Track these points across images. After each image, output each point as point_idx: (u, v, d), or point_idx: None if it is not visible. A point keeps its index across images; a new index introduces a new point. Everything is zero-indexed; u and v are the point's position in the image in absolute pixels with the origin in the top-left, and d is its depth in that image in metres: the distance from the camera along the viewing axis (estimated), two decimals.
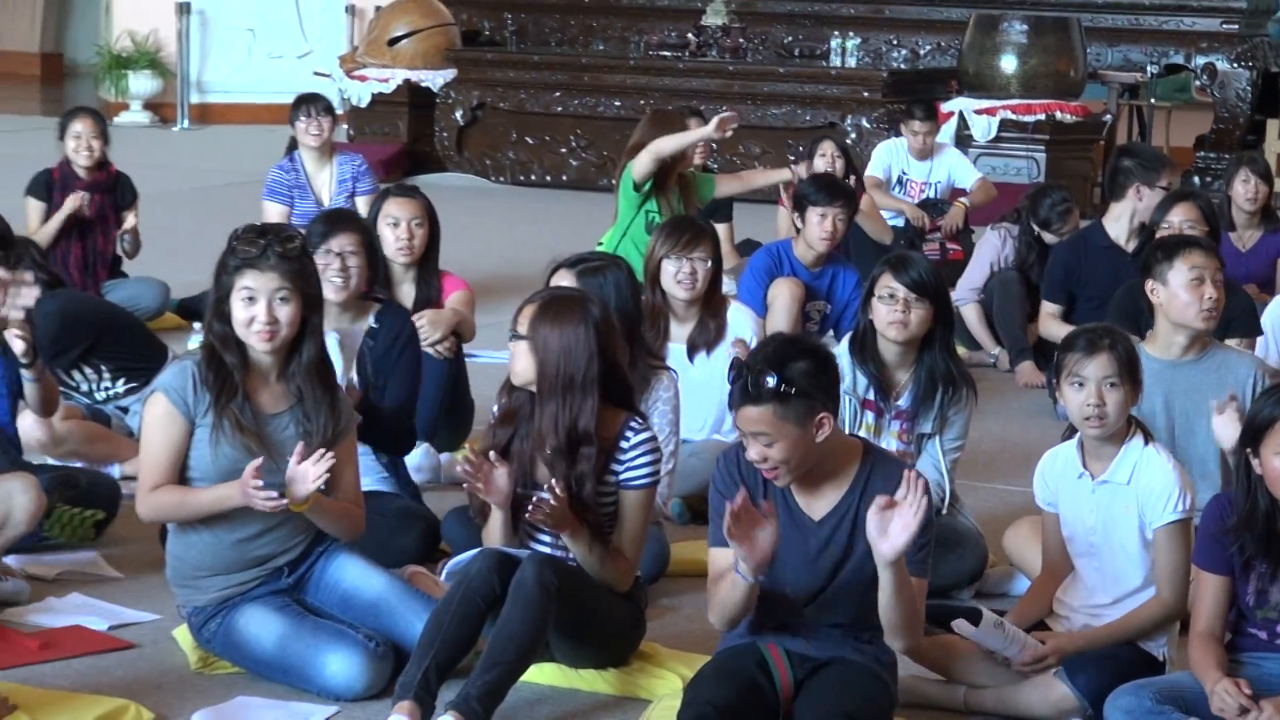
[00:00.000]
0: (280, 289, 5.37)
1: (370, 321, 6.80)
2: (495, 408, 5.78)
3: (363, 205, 10.34)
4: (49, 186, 10.42)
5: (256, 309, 5.38)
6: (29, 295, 6.53)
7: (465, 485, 5.57)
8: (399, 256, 7.77)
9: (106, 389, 7.98)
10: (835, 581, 5.09)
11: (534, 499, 5.36)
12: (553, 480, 5.38)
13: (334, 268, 6.66)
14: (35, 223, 10.39)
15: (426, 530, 6.52)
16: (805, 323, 8.91)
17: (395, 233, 7.74)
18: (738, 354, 4.95)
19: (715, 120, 10.15)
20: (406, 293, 7.82)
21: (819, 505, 5.08)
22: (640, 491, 5.58)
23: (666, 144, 9.93)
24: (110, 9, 22.01)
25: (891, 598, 4.93)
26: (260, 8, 21.79)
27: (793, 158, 11.38)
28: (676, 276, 7.39)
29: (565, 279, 6.47)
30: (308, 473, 5.35)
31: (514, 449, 5.62)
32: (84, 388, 8.01)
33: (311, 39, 21.80)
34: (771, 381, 4.82)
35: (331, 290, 6.54)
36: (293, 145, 10.87)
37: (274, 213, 10.41)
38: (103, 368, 8.06)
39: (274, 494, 5.33)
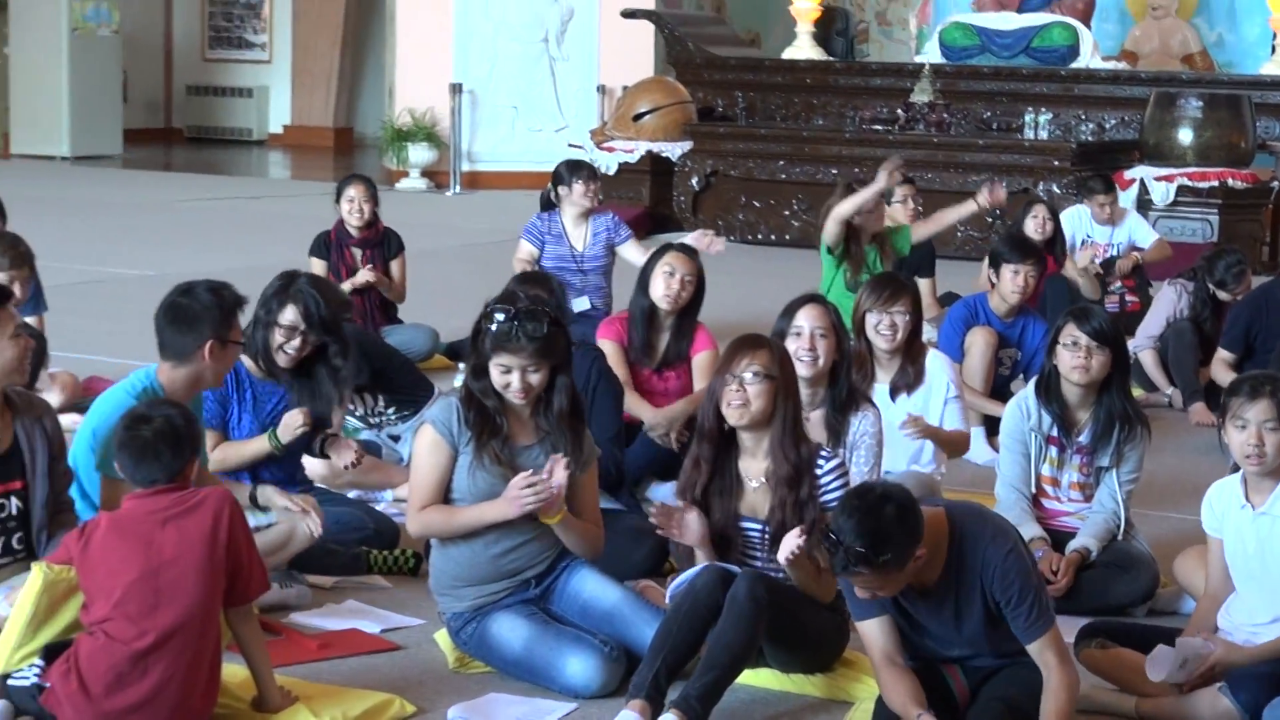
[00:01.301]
0: (530, 364, 5.47)
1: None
2: (692, 453, 5.78)
3: (625, 250, 10.43)
4: (327, 246, 10.55)
5: (511, 378, 5.49)
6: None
7: (660, 533, 5.60)
8: (664, 303, 7.82)
9: (380, 415, 8.06)
10: (965, 634, 5.08)
11: (791, 541, 5.36)
12: (794, 540, 5.36)
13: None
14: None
15: (656, 547, 6.50)
16: (998, 368, 8.86)
17: (669, 282, 7.79)
18: (830, 524, 4.87)
19: (882, 170, 10.14)
20: (662, 338, 7.84)
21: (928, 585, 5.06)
22: None
23: (843, 207, 9.95)
24: (393, 89, 22.28)
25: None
26: (523, 88, 21.98)
27: (975, 193, 11.30)
28: (878, 328, 7.34)
29: (805, 314, 6.50)
30: (528, 498, 5.44)
31: (713, 488, 5.63)
32: (359, 412, 8.12)
33: (567, 115, 21.94)
34: (865, 565, 4.80)
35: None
36: (548, 203, 10.83)
37: (524, 250, 10.42)
38: (380, 397, 8.17)
39: (540, 495, 5.43)
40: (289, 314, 6.70)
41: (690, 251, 8.03)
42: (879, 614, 5.04)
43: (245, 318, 6.33)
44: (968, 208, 11.31)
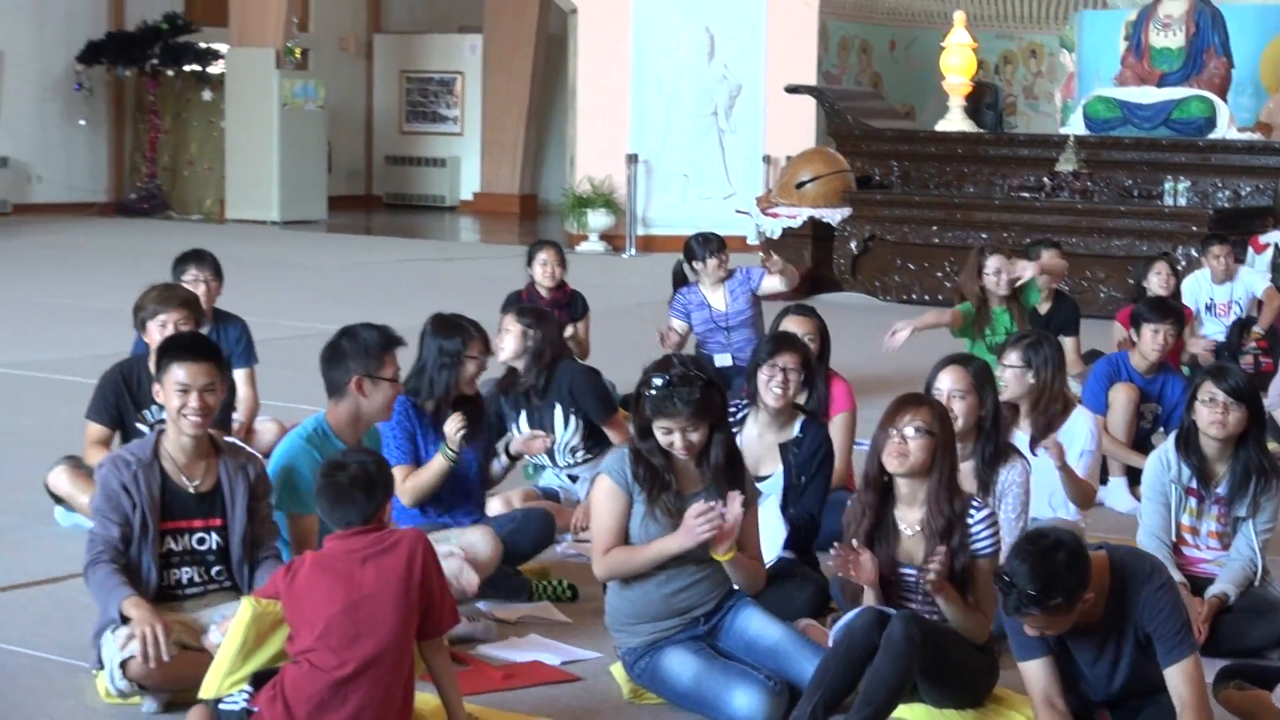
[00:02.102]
0: (688, 425, 5.52)
1: (795, 430, 6.82)
2: (855, 500, 5.78)
3: (766, 285, 10.46)
4: (519, 303, 10.62)
5: (674, 438, 5.55)
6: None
7: (839, 574, 5.58)
8: None
9: (568, 451, 8.03)
10: (1119, 672, 5.08)
11: (922, 573, 5.42)
12: (935, 557, 5.41)
13: (776, 380, 6.73)
14: None
15: (818, 590, 6.48)
16: (1139, 421, 8.79)
17: None
18: (1003, 567, 4.89)
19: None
20: (800, 394, 7.80)
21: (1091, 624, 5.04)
22: (987, 559, 5.55)
23: (926, 319, 10.05)
24: (574, 159, 22.45)
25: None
26: (693, 158, 22.07)
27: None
28: None
29: (946, 376, 6.48)
30: (704, 526, 5.45)
31: (875, 534, 5.61)
32: (556, 442, 8.09)
33: (734, 183, 21.99)
34: (1036, 607, 4.79)
35: (771, 399, 6.66)
36: (681, 278, 10.83)
37: (677, 325, 10.45)
38: (579, 432, 8.15)
39: (712, 522, 5.43)
40: (474, 349, 6.86)
41: (807, 310, 7.97)
42: (1042, 655, 5.07)
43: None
44: (1058, 263, 11.18)
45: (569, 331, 10.39)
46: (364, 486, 5.07)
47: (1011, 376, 7.23)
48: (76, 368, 11.79)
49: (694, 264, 10.50)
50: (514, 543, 6.64)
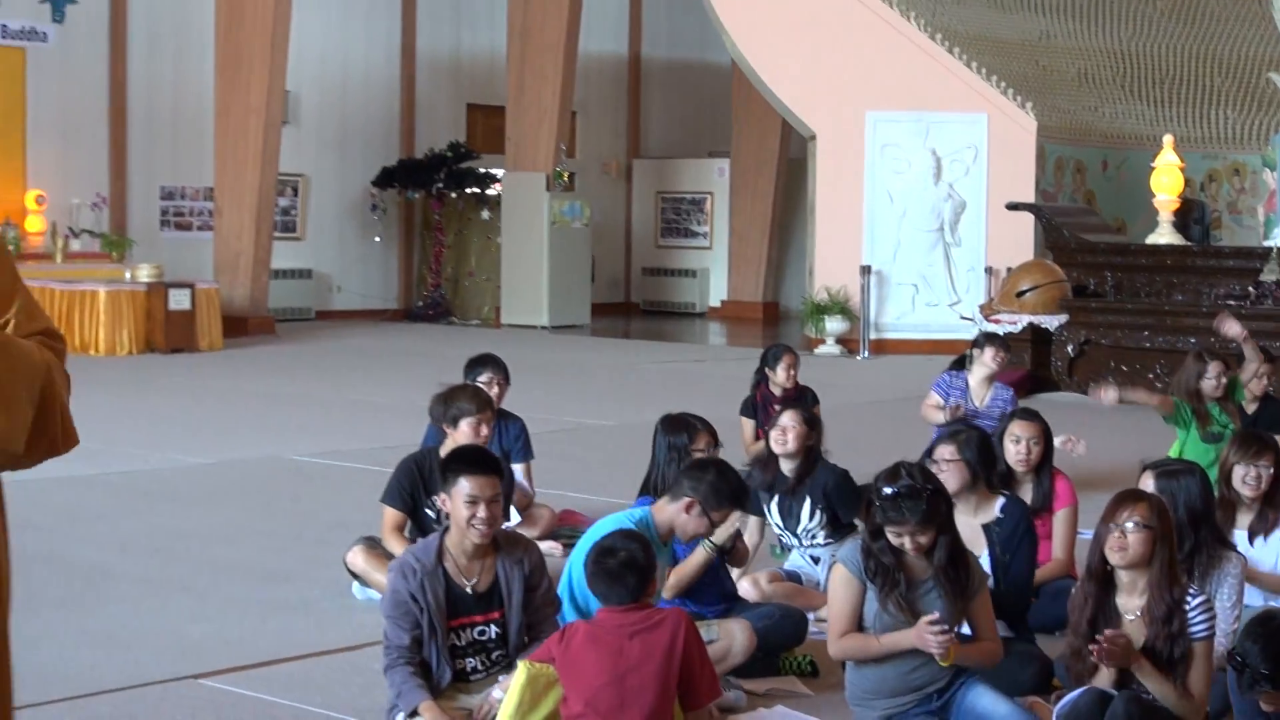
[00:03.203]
0: (916, 530, 5.47)
1: (996, 511, 6.73)
2: (1079, 589, 5.65)
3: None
4: (754, 406, 10.62)
5: (903, 540, 5.49)
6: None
7: (1096, 657, 5.43)
8: (1018, 466, 7.64)
9: (812, 535, 7.95)
10: None
11: (1100, 641, 5.28)
12: (1112, 632, 5.28)
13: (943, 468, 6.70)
14: (749, 436, 10.57)
15: (1042, 668, 6.34)
16: None
17: (1016, 448, 7.62)
18: (1236, 648, 4.75)
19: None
20: (1025, 490, 7.66)
21: None
22: (1202, 642, 5.38)
23: (1139, 394, 9.88)
24: (813, 270, 22.44)
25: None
26: (921, 269, 21.95)
27: None
28: (1244, 479, 7.12)
29: (1148, 479, 6.33)
30: (933, 640, 5.41)
31: (1101, 621, 5.49)
32: (801, 527, 8.01)
33: (959, 291, 21.82)
34: (1270, 684, 4.65)
35: (954, 483, 6.61)
36: (960, 363, 10.79)
37: (933, 401, 10.36)
38: (825, 520, 8.07)
39: (941, 641, 5.37)
40: (701, 442, 6.84)
41: (1032, 415, 7.83)
42: None
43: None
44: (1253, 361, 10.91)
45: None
46: (635, 571, 5.13)
47: (1264, 476, 7.12)
48: (372, 457, 11.99)
49: (975, 351, 10.50)
50: (767, 638, 6.58)
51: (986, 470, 6.84)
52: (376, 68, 27.30)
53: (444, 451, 7.26)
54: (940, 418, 10.08)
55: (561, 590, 6.06)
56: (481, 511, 5.59)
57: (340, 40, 26.75)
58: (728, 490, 6.18)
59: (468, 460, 5.75)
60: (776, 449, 7.75)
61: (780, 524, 7.86)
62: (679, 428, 7.01)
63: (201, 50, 24.08)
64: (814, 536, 7.86)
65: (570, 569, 6.06)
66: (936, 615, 5.43)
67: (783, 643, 6.69)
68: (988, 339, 10.59)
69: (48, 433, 2.96)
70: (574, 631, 5.11)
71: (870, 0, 22.30)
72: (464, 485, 5.59)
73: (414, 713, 5.45)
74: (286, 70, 22.88)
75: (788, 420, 7.79)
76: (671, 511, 6.14)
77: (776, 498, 7.85)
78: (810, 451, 7.76)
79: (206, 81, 23.75)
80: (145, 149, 24.46)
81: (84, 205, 23.40)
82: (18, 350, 2.90)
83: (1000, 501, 6.80)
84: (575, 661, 5.03)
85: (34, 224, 22.74)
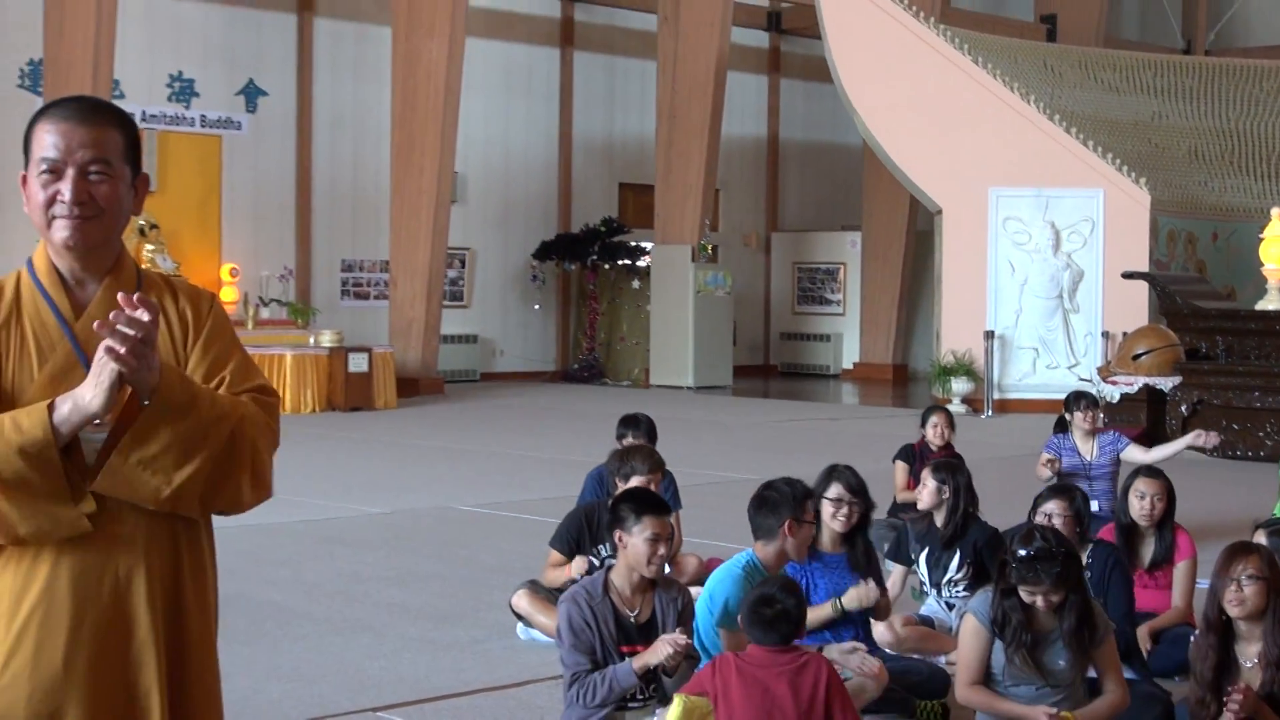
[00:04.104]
0: (1050, 591, 5.40)
1: (1084, 558, 6.63)
2: (1199, 639, 5.53)
3: (1127, 454, 10.25)
4: (911, 455, 10.53)
5: (1035, 599, 5.44)
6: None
7: (1228, 709, 5.28)
8: (1141, 520, 7.50)
9: (952, 584, 7.84)
10: None
11: (1231, 691, 5.16)
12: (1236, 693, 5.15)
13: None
14: (901, 481, 10.47)
15: (1165, 711, 6.19)
16: None
17: (1142, 503, 7.48)
18: None
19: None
20: (1149, 543, 7.51)
21: None
22: None
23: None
24: (940, 334, 22.26)
25: None
26: (1042, 334, 21.69)
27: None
28: None
29: (1260, 536, 6.19)
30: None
31: (1222, 669, 5.38)
32: (944, 578, 7.91)
33: (1077, 354, 21.54)
34: None
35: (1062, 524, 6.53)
36: (1061, 424, 10.65)
37: (1044, 459, 10.23)
38: (969, 570, 7.97)
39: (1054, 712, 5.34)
40: (834, 489, 6.75)
41: (1156, 473, 7.67)
42: None
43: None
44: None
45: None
46: (788, 621, 5.16)
47: None
48: (532, 508, 12.04)
49: (1068, 414, 10.35)
50: (903, 681, 6.48)
51: (1082, 523, 6.80)
52: (536, 151, 27.57)
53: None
54: (1047, 473, 9.98)
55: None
56: (661, 549, 5.70)
57: (503, 126, 27.06)
58: (800, 490, 6.13)
59: (648, 502, 5.82)
60: (920, 505, 7.73)
61: (926, 573, 7.79)
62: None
63: (379, 136, 24.47)
64: (955, 587, 7.77)
65: (699, 613, 6.03)
66: (1052, 709, 5.39)
67: (917, 695, 6.60)
68: (1075, 401, 10.40)
69: (232, 480, 3.04)
70: (725, 665, 5.12)
71: (992, 84, 22.19)
72: (646, 525, 5.67)
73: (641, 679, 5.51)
74: (455, 154, 23.17)
75: (924, 477, 7.76)
76: (775, 546, 6.10)
77: (927, 549, 7.77)
78: (956, 507, 7.67)
79: (383, 165, 24.12)
80: (327, 226, 24.87)
81: (273, 277, 23.85)
82: (205, 410, 2.98)
83: (1089, 548, 6.75)
84: (729, 695, 5.04)
85: (228, 294, 23.19)
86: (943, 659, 7.27)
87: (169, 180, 23.08)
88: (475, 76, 25.17)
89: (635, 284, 26.71)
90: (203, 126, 23.51)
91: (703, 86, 25.44)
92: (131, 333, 2.81)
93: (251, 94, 24.01)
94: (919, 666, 6.67)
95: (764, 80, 30.78)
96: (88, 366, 2.98)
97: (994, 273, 21.78)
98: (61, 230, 3.03)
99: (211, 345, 3.15)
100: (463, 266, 26.51)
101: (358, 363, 20.83)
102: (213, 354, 3.14)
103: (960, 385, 21.54)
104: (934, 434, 10.49)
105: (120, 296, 2.89)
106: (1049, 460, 10.10)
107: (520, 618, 7.72)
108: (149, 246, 22.36)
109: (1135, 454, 10.20)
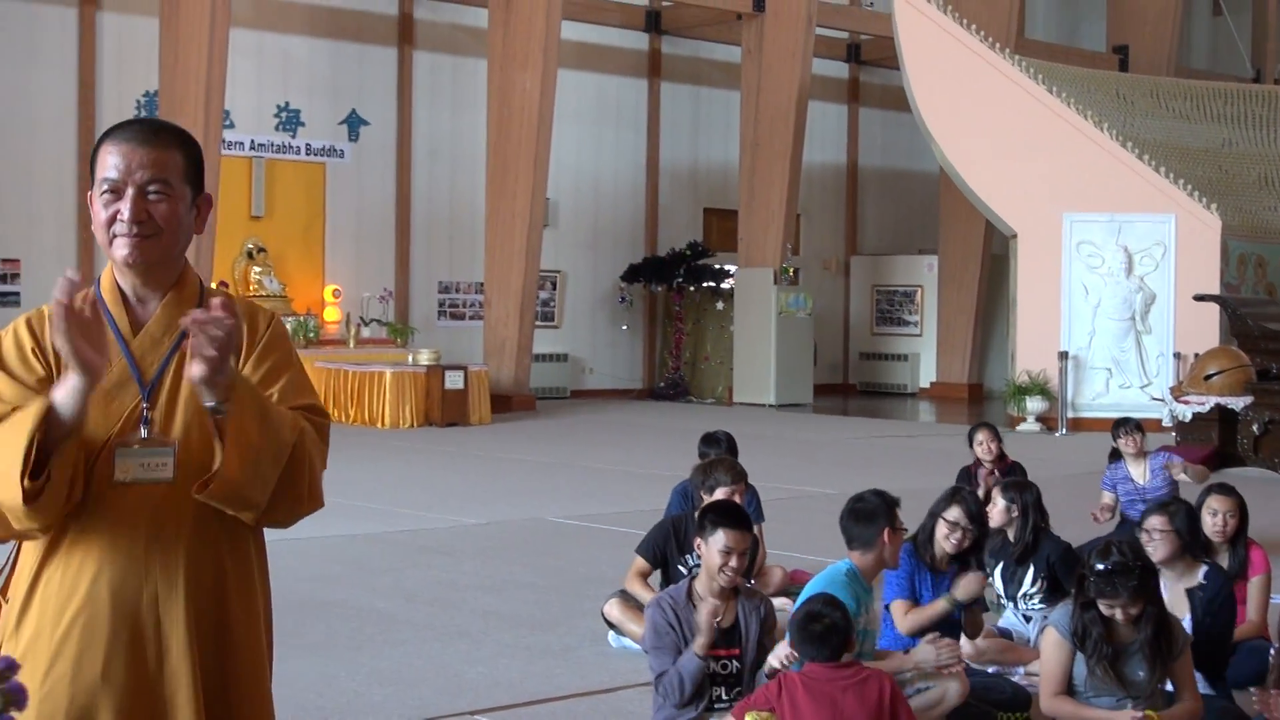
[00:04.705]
0: (1128, 604, 5.36)
1: (1200, 578, 6.54)
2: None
3: (1176, 473, 10.05)
4: (968, 474, 10.45)
5: (1114, 612, 5.40)
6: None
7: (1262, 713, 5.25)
8: (1216, 536, 7.39)
9: (1028, 597, 7.77)
10: None
11: None
12: None
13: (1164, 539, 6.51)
14: None
15: None
16: None
17: (1214, 520, 7.38)
18: None
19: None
20: (1222, 559, 7.40)
21: None
22: None
23: None
24: (1014, 355, 22.08)
25: None
26: (1115, 354, 21.47)
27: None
28: None
29: None
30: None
31: None
32: (1018, 592, 7.84)
33: (1149, 374, 21.30)
34: None
35: (1157, 555, 6.41)
36: (1115, 455, 10.52)
37: (1108, 497, 10.13)
38: (1044, 584, 7.91)
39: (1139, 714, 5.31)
40: (954, 512, 6.70)
41: (1229, 490, 7.54)
42: None
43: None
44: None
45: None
46: (837, 634, 5.13)
47: None
48: (620, 520, 12.05)
49: (1116, 441, 10.24)
50: (986, 698, 6.42)
51: (1192, 540, 6.67)
52: (625, 177, 27.64)
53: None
54: (1106, 517, 9.90)
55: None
56: (733, 561, 5.68)
57: (593, 154, 27.16)
58: (892, 500, 6.10)
59: (728, 515, 5.81)
60: (992, 523, 7.65)
61: (1001, 587, 7.73)
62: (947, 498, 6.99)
63: (474, 163, 24.62)
64: (1031, 600, 7.70)
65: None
66: (1138, 715, 5.34)
67: (997, 710, 6.53)
68: (1119, 427, 10.29)
69: (291, 492, 2.97)
70: (790, 682, 5.07)
71: (1066, 111, 22.01)
72: (721, 537, 5.66)
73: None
74: (547, 180, 23.27)
75: (995, 495, 7.71)
76: (874, 553, 6.04)
77: (1001, 563, 7.72)
78: (1027, 521, 7.61)
79: (478, 190, 24.27)
80: (425, 249, 25.04)
81: (373, 298, 24.03)
82: (275, 418, 2.93)
83: (1203, 569, 6.63)
84: (797, 709, 4.98)
85: (331, 314, 23.40)
86: (1021, 670, 7.21)
87: (276, 206, 23.35)
88: (567, 106, 25.28)
89: (719, 305, 26.70)
90: (308, 155, 23.76)
91: (785, 115, 25.41)
92: (217, 332, 2.76)
93: (354, 123, 24.24)
94: (1002, 685, 6.60)
95: (844, 109, 30.70)
96: (141, 383, 2.96)
97: (1068, 295, 21.59)
98: (121, 248, 3.01)
99: (265, 360, 3.09)
100: (554, 288, 26.60)
101: (454, 380, 20.94)
102: (265, 369, 3.08)
103: (1035, 404, 21.36)
104: (981, 450, 10.41)
105: (206, 307, 2.83)
106: (1103, 507, 10.02)
107: (612, 626, 7.72)
108: (256, 269, 22.64)
109: (1180, 476, 10.06)
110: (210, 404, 2.84)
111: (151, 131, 3.04)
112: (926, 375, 28.97)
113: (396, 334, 23.19)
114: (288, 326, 21.72)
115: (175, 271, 3.09)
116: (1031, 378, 21.39)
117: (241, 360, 3.05)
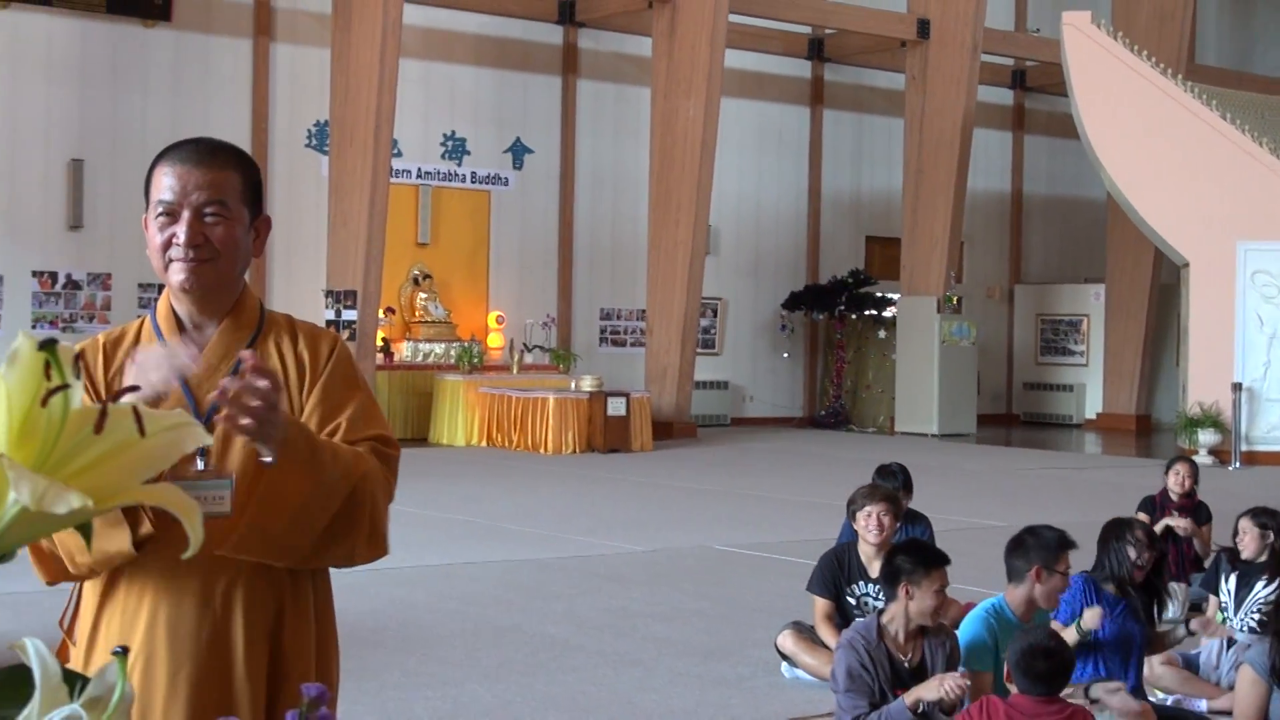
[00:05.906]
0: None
1: None
2: None
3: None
4: (1153, 505, 10.27)
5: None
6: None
7: None
8: None
9: (1254, 609, 7.61)
10: None
11: None
12: None
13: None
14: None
15: None
16: None
17: None
18: None
19: None
20: None
21: None
22: None
23: None
24: (1186, 386, 21.64)
25: None
26: None
27: None
28: None
29: None
30: None
31: None
32: (1174, 614, 7.75)
33: None
34: None
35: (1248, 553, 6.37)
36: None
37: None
38: None
39: None
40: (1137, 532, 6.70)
41: None
42: None
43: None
44: None
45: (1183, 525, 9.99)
46: (1064, 675, 5.10)
47: None
48: (788, 548, 12.01)
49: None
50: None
51: None
52: (786, 205, 27.61)
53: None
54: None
55: None
56: (944, 599, 5.74)
57: (755, 181, 27.17)
58: (1054, 539, 6.02)
59: (933, 554, 5.86)
60: (1244, 554, 7.68)
61: (1233, 593, 7.63)
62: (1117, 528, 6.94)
63: (637, 191, 24.78)
64: (1255, 610, 7.58)
65: (964, 658, 5.99)
66: None
67: None
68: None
69: (347, 537, 2.83)
70: (995, 711, 5.02)
71: (1239, 137, 21.55)
72: (936, 576, 5.72)
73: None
74: (710, 208, 23.33)
75: (1244, 525, 7.77)
76: (1023, 591, 5.99)
77: (1237, 571, 7.65)
78: (1277, 549, 7.58)
79: (640, 218, 24.40)
80: (588, 276, 25.24)
81: (536, 324, 24.27)
82: (329, 467, 2.76)
83: None
84: None
85: (495, 340, 23.68)
86: (1203, 704, 7.05)
87: (441, 233, 23.70)
88: (729, 134, 25.34)
89: (881, 334, 26.53)
90: (473, 183, 24.09)
91: (949, 143, 25.22)
92: (254, 403, 2.57)
93: (519, 151, 24.53)
94: (1186, 715, 6.48)
95: (1008, 136, 30.38)
96: (197, 413, 2.79)
97: (1242, 325, 21.10)
98: (178, 273, 2.85)
99: (330, 390, 2.94)
100: (715, 315, 26.64)
101: (616, 406, 21.05)
102: (330, 400, 2.93)
103: (1207, 437, 20.90)
104: (1175, 481, 10.20)
105: (237, 373, 2.65)
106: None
107: (785, 657, 7.69)
108: (422, 295, 23.00)
109: None
110: (265, 460, 2.70)
111: (208, 151, 2.89)
112: (1092, 406, 28.49)
113: (559, 360, 23.38)
114: (451, 354, 22.04)
115: (233, 296, 2.95)
116: (1204, 409, 20.93)
117: (306, 390, 2.94)
